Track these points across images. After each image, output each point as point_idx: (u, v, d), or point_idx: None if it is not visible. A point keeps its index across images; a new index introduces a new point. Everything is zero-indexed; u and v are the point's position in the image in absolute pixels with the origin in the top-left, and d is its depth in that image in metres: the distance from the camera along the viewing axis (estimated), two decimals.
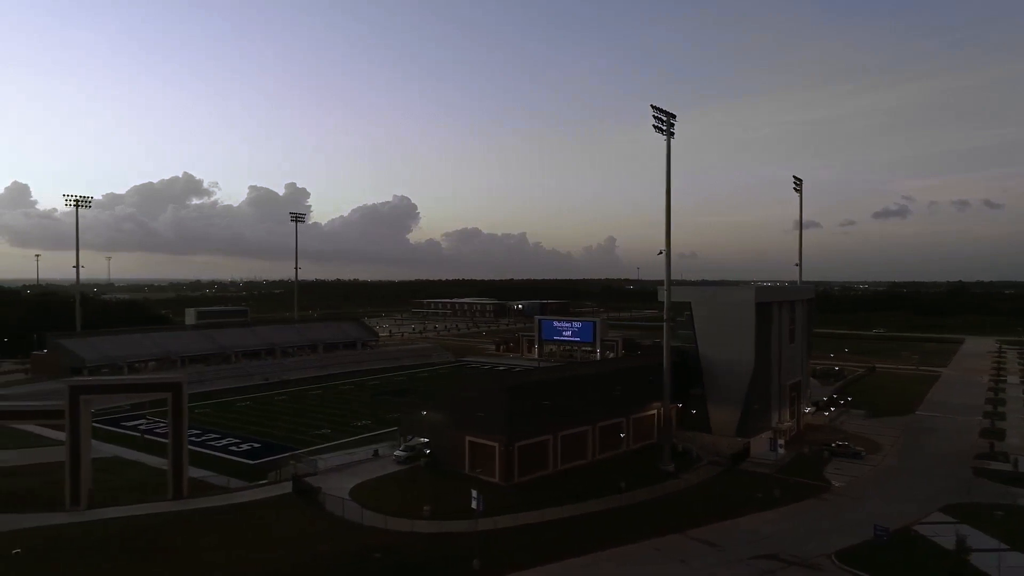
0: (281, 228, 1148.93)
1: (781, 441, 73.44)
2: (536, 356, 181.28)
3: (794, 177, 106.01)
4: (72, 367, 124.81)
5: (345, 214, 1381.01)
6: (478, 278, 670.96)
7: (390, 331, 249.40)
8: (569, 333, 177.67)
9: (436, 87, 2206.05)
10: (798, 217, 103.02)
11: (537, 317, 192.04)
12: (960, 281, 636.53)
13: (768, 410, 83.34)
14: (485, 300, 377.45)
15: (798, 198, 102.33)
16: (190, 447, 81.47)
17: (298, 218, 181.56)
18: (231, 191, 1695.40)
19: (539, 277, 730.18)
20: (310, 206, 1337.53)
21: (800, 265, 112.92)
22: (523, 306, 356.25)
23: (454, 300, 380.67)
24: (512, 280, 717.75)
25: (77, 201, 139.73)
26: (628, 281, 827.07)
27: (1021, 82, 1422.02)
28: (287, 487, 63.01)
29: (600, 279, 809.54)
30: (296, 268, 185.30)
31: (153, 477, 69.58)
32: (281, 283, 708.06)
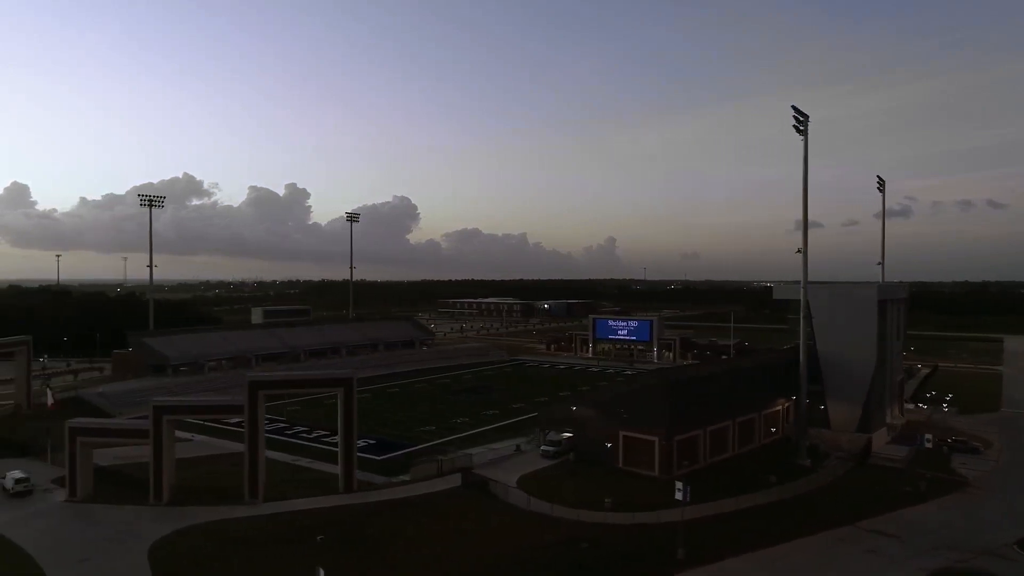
0: (281, 228, 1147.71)
1: (929, 436, 74.96)
2: (591, 355, 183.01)
3: (878, 177, 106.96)
4: (155, 365, 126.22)
5: (342, 215, 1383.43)
6: (480, 278, 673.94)
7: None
8: (625, 332, 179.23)
9: (436, 87, 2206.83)
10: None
11: (592, 316, 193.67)
12: (967, 281, 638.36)
13: (883, 406, 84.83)
14: (511, 300, 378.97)
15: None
16: (303, 443, 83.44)
17: (353, 218, 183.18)
18: (231, 191, 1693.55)
19: (541, 277, 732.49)
20: (310, 206, 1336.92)
21: (883, 264, 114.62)
22: (550, 306, 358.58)
23: (479, 300, 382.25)
24: (522, 280, 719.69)
25: (151, 200, 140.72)
26: (634, 281, 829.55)
27: (1021, 82, 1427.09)
28: (453, 481, 64.36)
29: (602, 279, 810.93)
30: (351, 268, 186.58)
31: (297, 473, 70.95)
32: (292, 283, 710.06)
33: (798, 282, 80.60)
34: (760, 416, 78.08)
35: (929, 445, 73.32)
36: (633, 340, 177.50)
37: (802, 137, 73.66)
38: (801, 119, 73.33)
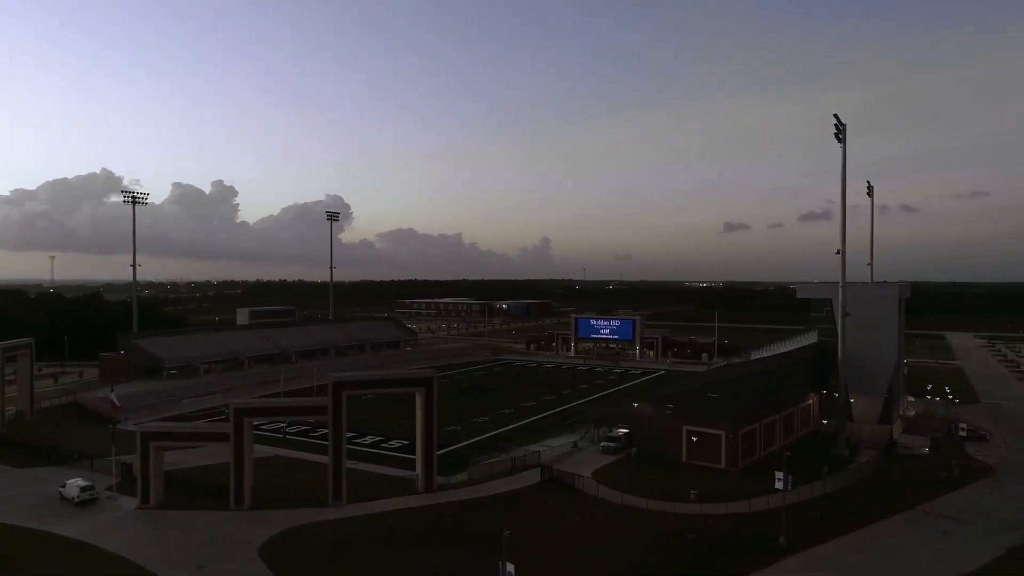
0: (208, 227, 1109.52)
1: (963, 425, 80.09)
2: (572, 354, 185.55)
3: (868, 186, 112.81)
4: (148, 368, 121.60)
5: (275, 213, 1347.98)
6: (416, 278, 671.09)
7: None
8: (607, 331, 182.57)
9: (369, 86, 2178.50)
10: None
11: (573, 315, 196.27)
12: (886, 281, 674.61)
13: (898, 399, 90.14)
14: (468, 300, 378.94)
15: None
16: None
17: (333, 217, 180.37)
18: (153, 189, 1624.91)
19: (477, 277, 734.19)
20: (238, 205, 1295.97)
21: (871, 264, 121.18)
22: (508, 306, 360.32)
23: (437, 300, 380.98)
24: (465, 280, 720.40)
25: (134, 197, 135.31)
26: (574, 281, 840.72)
27: (937, 95, 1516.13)
28: (529, 477, 65.28)
29: (542, 279, 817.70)
30: (331, 268, 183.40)
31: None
32: (231, 283, 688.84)
33: (822, 282, 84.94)
34: (798, 410, 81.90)
35: (963, 433, 78.42)
36: (616, 339, 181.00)
37: (840, 144, 77.59)
38: (839, 128, 77.29)
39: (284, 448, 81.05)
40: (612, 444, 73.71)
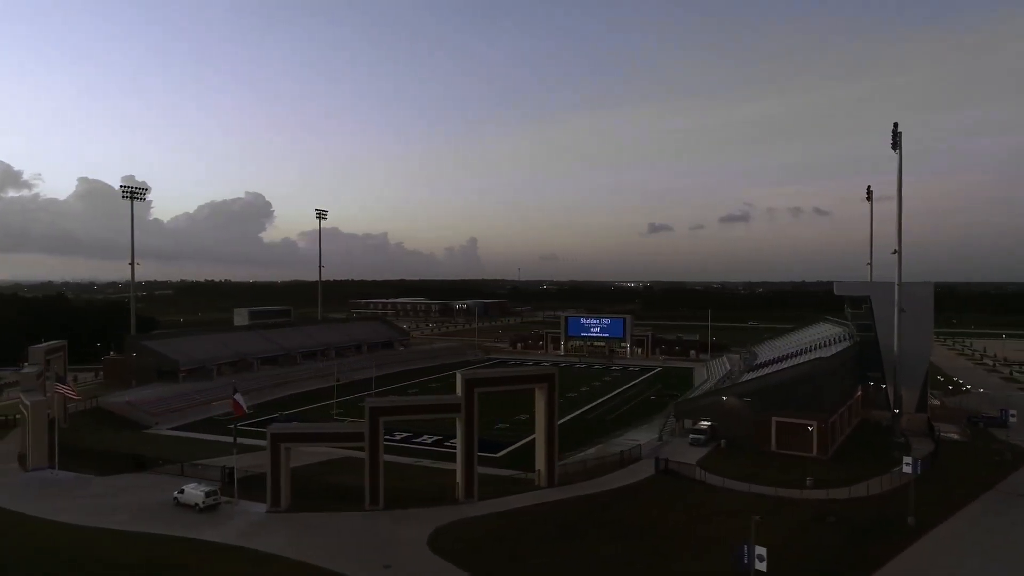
0: (116, 224, 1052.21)
1: (1013, 411, 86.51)
2: (562, 353, 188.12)
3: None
4: (160, 370, 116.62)
5: (191, 211, 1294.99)
6: (342, 278, 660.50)
7: None
8: (598, 329, 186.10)
9: (291, 81, 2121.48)
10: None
11: (563, 314, 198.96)
12: (804, 281, 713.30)
13: (928, 389, 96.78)
14: (429, 300, 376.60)
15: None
16: (402, 445, 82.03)
17: (321, 215, 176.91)
18: (56, 184, 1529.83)
19: (404, 277, 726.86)
20: (150, 202, 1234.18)
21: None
22: (467, 306, 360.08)
23: (395, 300, 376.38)
24: (404, 280, 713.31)
25: (132, 192, 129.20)
26: (508, 281, 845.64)
27: (845, 105, 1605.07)
28: (640, 470, 67.15)
29: (473, 279, 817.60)
30: (320, 267, 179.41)
31: (435, 475, 69.52)
32: (162, 284, 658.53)
33: (862, 282, 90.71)
34: (854, 401, 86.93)
35: (1014, 419, 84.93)
36: (607, 337, 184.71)
37: (896, 152, 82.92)
38: (896, 136, 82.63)
39: (356, 451, 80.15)
40: (701, 436, 76.44)
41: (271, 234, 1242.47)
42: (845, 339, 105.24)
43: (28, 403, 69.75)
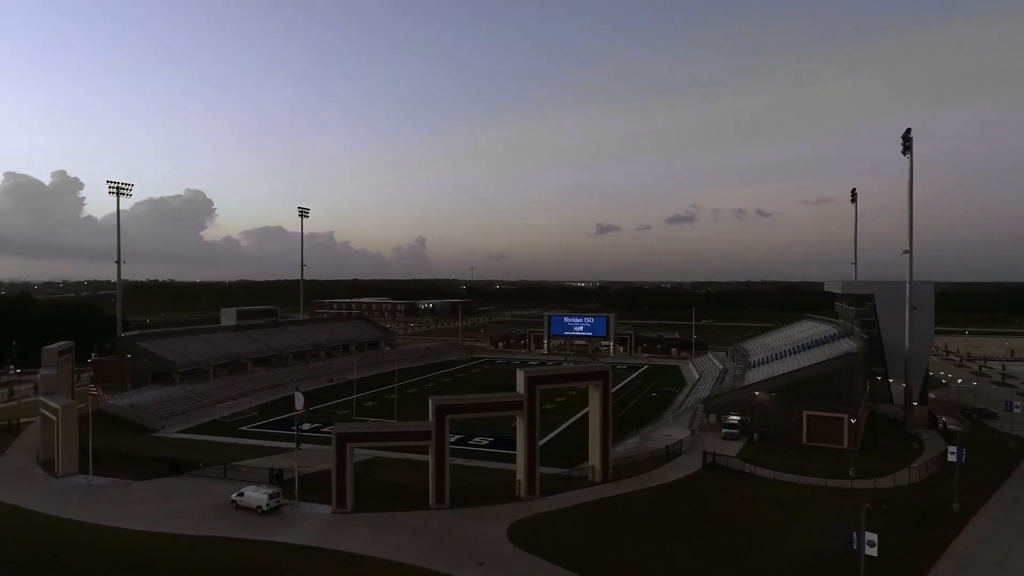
0: (47, 221, 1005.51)
1: (1018, 403, 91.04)
2: (546, 352, 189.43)
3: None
4: (154, 372, 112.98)
5: (127, 208, 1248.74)
6: (286, 278, 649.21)
7: None
8: (582, 328, 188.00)
9: (232, 77, 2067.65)
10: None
11: (547, 313, 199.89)
12: (748, 280, 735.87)
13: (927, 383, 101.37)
14: (394, 301, 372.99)
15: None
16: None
17: (304, 213, 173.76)
18: None
19: (354, 276, 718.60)
20: (83, 198, 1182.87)
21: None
22: (434, 305, 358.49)
23: (360, 300, 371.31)
24: (357, 280, 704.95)
25: (119, 188, 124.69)
26: (460, 281, 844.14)
27: (787, 110, 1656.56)
28: (687, 463, 68.66)
29: (423, 278, 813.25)
30: (302, 266, 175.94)
31: (481, 474, 70.07)
32: (102, 284, 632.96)
33: (868, 281, 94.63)
34: (866, 395, 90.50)
35: (1019, 410, 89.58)
36: (590, 336, 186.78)
37: (907, 156, 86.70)
38: (906, 141, 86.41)
39: (384, 451, 79.47)
40: (734, 431, 78.49)
41: (212, 233, 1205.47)
42: (837, 336, 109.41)
43: (58, 406, 66.85)
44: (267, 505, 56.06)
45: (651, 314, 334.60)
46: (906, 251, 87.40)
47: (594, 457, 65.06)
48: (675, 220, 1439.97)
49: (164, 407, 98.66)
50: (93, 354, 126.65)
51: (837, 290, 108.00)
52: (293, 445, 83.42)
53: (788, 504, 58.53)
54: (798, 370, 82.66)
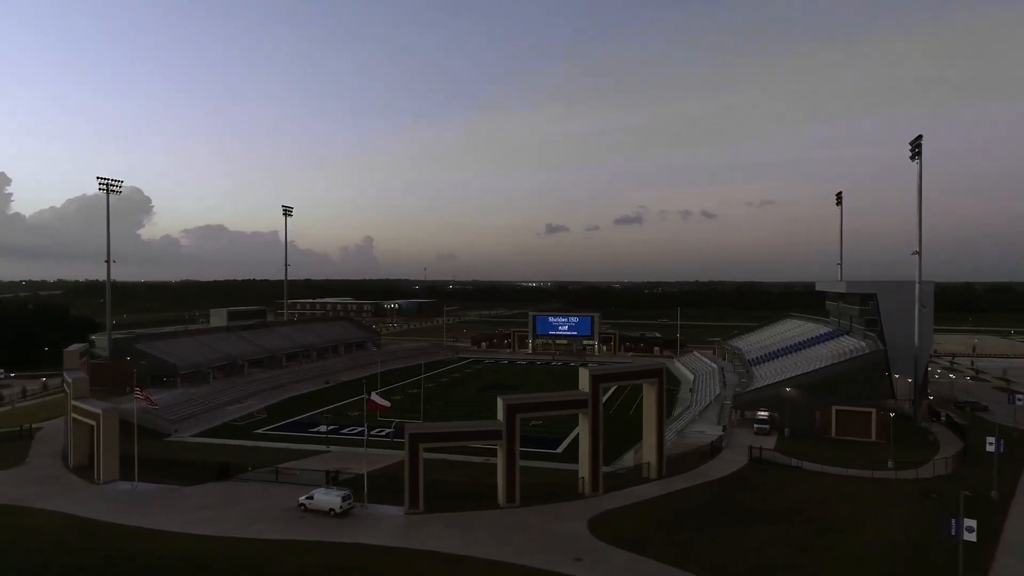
0: None
1: (1020, 396, 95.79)
2: (529, 351, 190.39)
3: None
4: (154, 375, 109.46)
5: (58, 205, 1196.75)
6: (229, 278, 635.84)
7: None
8: (566, 328, 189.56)
9: (169, 67, 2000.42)
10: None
11: (532, 313, 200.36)
12: (697, 280, 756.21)
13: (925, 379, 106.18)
14: (361, 301, 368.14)
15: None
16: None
17: (287, 212, 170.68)
18: None
19: (298, 277, 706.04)
20: (11, 194, 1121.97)
21: (841, 265, 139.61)
22: (400, 305, 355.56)
23: (323, 300, 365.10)
24: (309, 280, 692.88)
25: (108, 184, 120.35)
26: (413, 281, 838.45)
27: (728, 114, 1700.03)
28: (733, 458, 70.53)
29: (368, 279, 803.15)
30: (286, 266, 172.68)
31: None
32: (38, 283, 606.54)
33: (871, 281, 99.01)
34: None
35: (1020, 403, 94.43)
36: (575, 335, 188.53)
37: (917, 161, 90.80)
38: (915, 147, 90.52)
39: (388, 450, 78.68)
40: (766, 426, 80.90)
41: (151, 231, 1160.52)
42: (835, 334, 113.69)
43: (98, 411, 64.44)
44: (340, 507, 55.35)
45: (616, 313, 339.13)
46: (915, 252, 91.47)
47: (649, 454, 66.22)
48: (623, 221, 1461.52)
49: (172, 411, 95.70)
50: (128, 357, 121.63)
51: (841, 289, 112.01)
52: (323, 447, 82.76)
53: (846, 495, 60.77)
54: (828, 366, 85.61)
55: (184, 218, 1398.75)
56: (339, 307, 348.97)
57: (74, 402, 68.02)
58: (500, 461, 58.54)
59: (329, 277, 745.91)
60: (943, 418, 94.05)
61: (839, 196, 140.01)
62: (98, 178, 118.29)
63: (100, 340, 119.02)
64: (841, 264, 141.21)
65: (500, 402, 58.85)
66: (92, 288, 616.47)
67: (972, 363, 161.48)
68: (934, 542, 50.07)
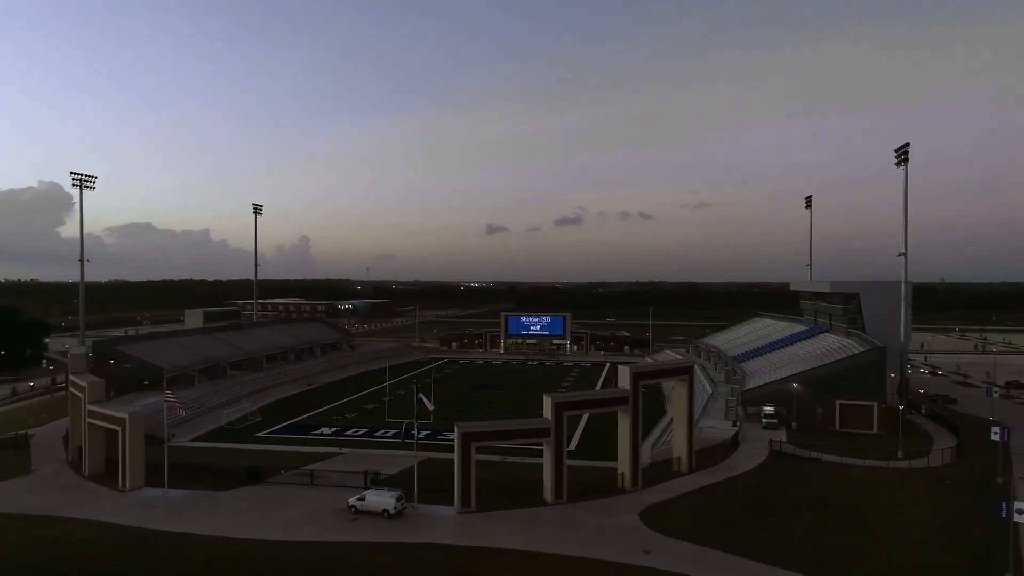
0: None
1: (997, 390, 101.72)
2: (501, 351, 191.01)
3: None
4: (139, 378, 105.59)
5: None
6: (158, 278, 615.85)
7: None
8: (538, 327, 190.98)
9: (97, 63, 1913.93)
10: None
11: (504, 313, 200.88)
12: (637, 281, 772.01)
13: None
14: (315, 301, 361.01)
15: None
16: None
17: (258, 210, 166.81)
18: None
19: (228, 278, 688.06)
20: None
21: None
22: (354, 306, 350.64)
23: (274, 301, 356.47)
24: (249, 280, 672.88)
25: (81, 180, 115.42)
26: (355, 281, 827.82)
27: (666, 118, 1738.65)
28: (753, 452, 73.07)
29: (306, 279, 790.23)
30: (256, 265, 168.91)
31: (529, 471, 70.40)
32: None
33: (855, 281, 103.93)
34: None
35: (997, 395, 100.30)
36: (547, 335, 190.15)
37: (902, 168, 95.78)
38: (898, 155, 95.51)
39: (435, 452, 78.66)
40: (774, 420, 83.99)
41: (72, 229, 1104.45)
42: (816, 331, 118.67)
43: (124, 416, 62.04)
44: (394, 508, 54.99)
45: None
46: (901, 253, 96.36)
47: (680, 449, 67.99)
48: (563, 222, 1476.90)
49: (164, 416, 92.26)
50: (45, 361, 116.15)
51: (825, 289, 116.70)
52: (335, 450, 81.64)
53: (871, 484, 63.84)
54: (833, 362, 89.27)
55: (108, 216, 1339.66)
56: (291, 307, 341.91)
57: (91, 407, 65.13)
58: (547, 458, 59.15)
59: (266, 277, 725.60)
60: (924, 411, 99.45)
61: (808, 200, 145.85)
62: (72, 174, 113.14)
63: (74, 343, 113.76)
64: (811, 265, 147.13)
65: (548, 400, 59.49)
66: (16, 288, 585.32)
67: (926, 359, 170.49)
68: (968, 526, 53.48)
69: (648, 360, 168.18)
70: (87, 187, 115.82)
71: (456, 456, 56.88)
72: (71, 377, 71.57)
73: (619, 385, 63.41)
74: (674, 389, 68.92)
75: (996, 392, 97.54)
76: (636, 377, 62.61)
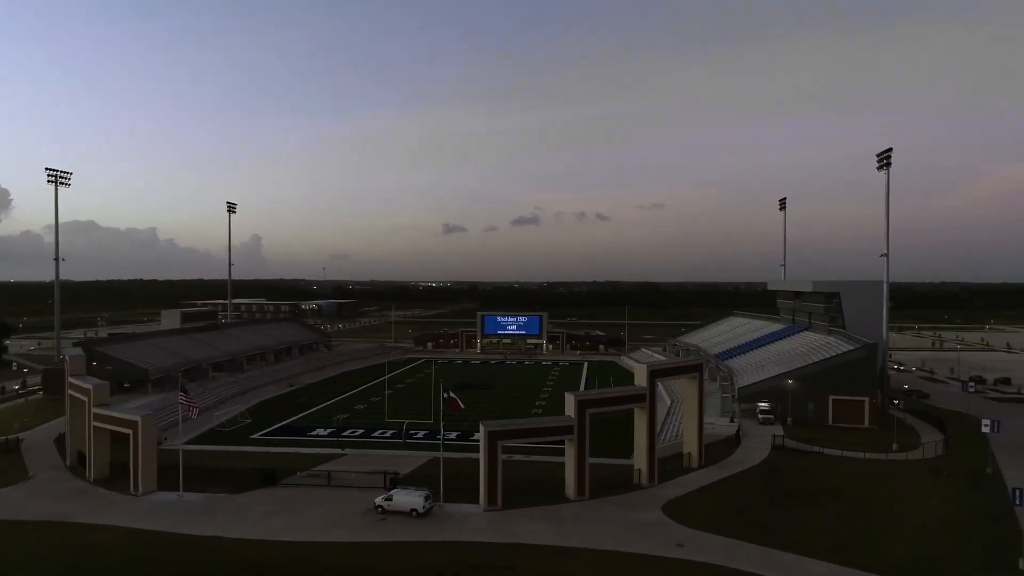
0: None
1: (972, 384, 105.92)
2: (478, 350, 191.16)
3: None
4: (122, 381, 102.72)
5: None
6: (104, 278, 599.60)
7: None
8: (515, 327, 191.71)
9: (39, 54, 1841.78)
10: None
11: (480, 313, 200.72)
12: (595, 281, 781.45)
13: None
14: (278, 301, 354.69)
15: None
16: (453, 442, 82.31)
17: (231, 208, 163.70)
18: None
19: (178, 277, 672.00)
20: None
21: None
22: (319, 306, 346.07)
23: (238, 301, 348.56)
24: (202, 280, 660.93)
25: (57, 176, 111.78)
26: (311, 281, 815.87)
27: (621, 118, 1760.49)
28: (757, 447, 75.16)
29: (259, 279, 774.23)
30: (230, 265, 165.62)
31: (542, 469, 71.34)
32: None
33: (835, 280, 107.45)
34: None
35: (973, 390, 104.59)
36: (523, 334, 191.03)
37: (884, 172, 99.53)
38: (881, 159, 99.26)
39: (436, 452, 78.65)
40: (771, 416, 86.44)
41: (8, 226, 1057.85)
42: (796, 329, 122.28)
43: (136, 419, 60.59)
44: (423, 508, 55.06)
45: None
46: (883, 254, 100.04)
47: (690, 445, 69.57)
48: (520, 222, 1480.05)
49: (155, 419, 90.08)
50: (14, 363, 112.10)
51: (807, 288, 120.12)
52: (337, 450, 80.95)
53: (874, 476, 66.49)
54: (828, 359, 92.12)
55: (48, 213, 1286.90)
56: (255, 308, 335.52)
57: (98, 410, 63.36)
58: (570, 455, 59.94)
59: (217, 277, 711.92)
60: (900, 405, 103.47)
61: (782, 202, 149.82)
62: (47, 169, 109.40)
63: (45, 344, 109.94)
64: (784, 266, 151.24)
65: (570, 398, 60.33)
66: None
67: (891, 355, 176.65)
68: (971, 514, 56.16)
69: (625, 359, 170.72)
70: (63, 183, 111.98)
71: (482, 454, 57.22)
72: (71, 379, 69.41)
73: (636, 383, 64.64)
74: (684, 386, 70.32)
75: (972, 386, 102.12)
76: (653, 375, 63.98)
